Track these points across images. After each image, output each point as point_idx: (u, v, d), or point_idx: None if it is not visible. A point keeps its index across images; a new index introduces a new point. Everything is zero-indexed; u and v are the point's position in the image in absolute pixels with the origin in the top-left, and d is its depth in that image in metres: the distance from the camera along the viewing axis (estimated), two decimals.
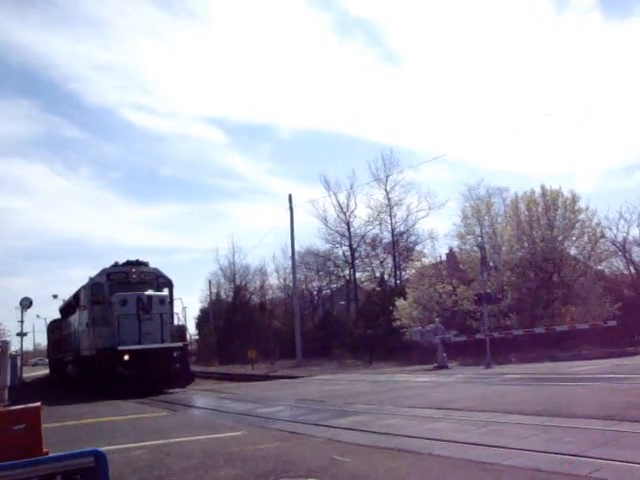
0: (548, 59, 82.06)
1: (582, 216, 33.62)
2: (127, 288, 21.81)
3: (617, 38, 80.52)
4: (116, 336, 20.43)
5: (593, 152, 77.70)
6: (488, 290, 28.54)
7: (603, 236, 34.80)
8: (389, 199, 50.72)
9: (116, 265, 23.29)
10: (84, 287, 23.07)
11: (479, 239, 35.69)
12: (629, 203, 43.98)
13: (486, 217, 36.07)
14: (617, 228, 36.75)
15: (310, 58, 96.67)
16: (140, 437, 9.62)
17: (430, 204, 49.67)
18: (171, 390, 21.37)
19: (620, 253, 36.79)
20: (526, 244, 34.18)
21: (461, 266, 36.06)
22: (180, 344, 21.68)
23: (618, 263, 37.46)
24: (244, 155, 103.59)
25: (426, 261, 44.68)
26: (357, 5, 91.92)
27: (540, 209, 34.11)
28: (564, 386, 13.82)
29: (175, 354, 20.98)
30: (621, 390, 12.27)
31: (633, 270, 37.13)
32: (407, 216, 50.70)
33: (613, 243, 36.38)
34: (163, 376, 20.64)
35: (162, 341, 21.02)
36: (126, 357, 19.91)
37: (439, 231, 67.30)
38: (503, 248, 34.79)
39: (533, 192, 34.76)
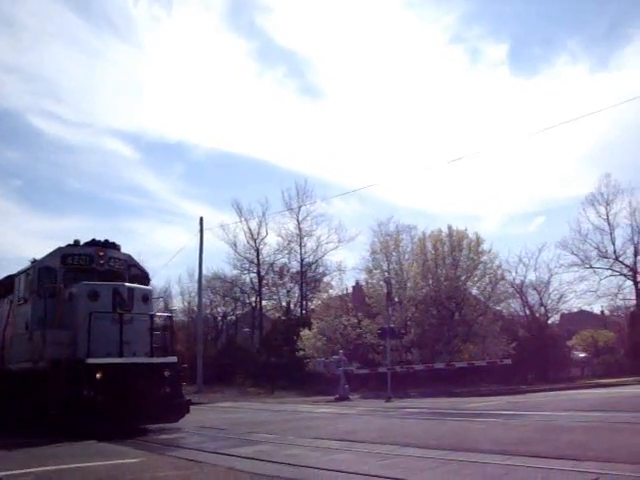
0: (461, 105, 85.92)
1: (485, 258, 35.19)
2: (89, 278, 14.98)
3: (523, 93, 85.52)
4: (82, 343, 13.52)
5: (497, 198, 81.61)
6: (392, 325, 29.09)
7: (503, 278, 36.49)
8: (300, 229, 51.05)
9: (76, 244, 15.95)
10: (24, 272, 15.87)
11: (386, 274, 36.45)
12: (528, 248, 46.47)
13: (394, 253, 37.00)
14: (516, 271, 38.66)
15: (230, 83, 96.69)
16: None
17: (340, 237, 50.38)
18: (155, 425, 14.23)
19: (517, 295, 38.59)
20: (431, 281, 35.25)
21: (367, 300, 36.60)
22: (173, 359, 14.84)
23: (515, 304, 39.28)
24: (156, 173, 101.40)
25: (333, 293, 45.09)
26: (282, 35, 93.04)
27: (446, 249, 35.36)
28: (462, 421, 14.23)
29: (166, 373, 14.28)
30: (514, 426, 12.79)
31: (528, 312, 38.97)
32: (317, 247, 51.02)
33: (512, 285, 38.15)
34: (150, 405, 13.57)
35: (150, 354, 14.56)
36: (98, 375, 13.01)
37: (347, 264, 68.36)
38: (408, 284, 35.69)
39: (440, 232, 36.08)
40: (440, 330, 33.91)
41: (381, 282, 36.29)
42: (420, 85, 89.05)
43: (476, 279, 35.61)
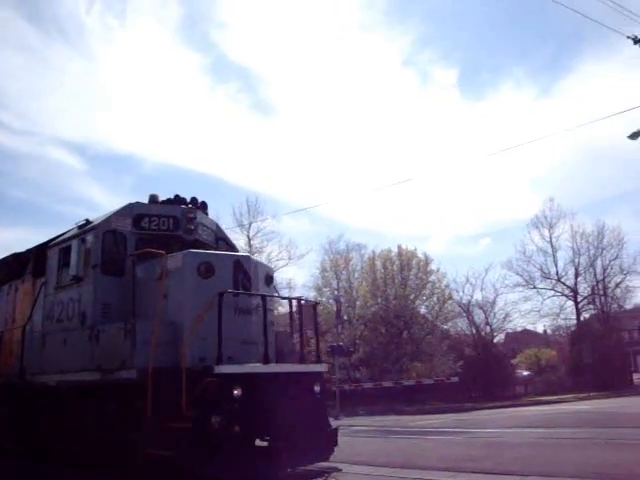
0: (413, 126, 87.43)
1: (433, 277, 35.78)
2: (171, 249, 9.75)
3: (473, 116, 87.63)
4: (194, 343, 8.40)
5: (445, 219, 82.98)
6: (341, 343, 29.19)
7: (451, 297, 37.09)
8: (250, 246, 50.72)
9: (154, 201, 11.12)
10: (74, 238, 10.44)
11: (335, 292, 36.57)
12: (475, 269, 47.42)
13: (344, 271, 37.22)
14: (463, 291, 39.27)
15: (182, 97, 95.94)
16: None
17: (290, 254, 50.35)
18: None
19: (464, 314, 39.21)
20: (380, 300, 35.53)
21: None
22: (323, 367, 10.61)
23: (462, 323, 39.89)
24: (103, 186, 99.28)
25: (282, 310, 44.95)
26: (236, 50, 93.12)
27: (395, 268, 35.77)
28: (410, 439, 14.36)
29: (317, 388, 9.60)
30: (460, 443, 12.97)
31: (474, 331, 39.61)
32: (267, 264, 50.96)
33: (459, 305, 38.75)
34: (301, 437, 8.58)
35: (286, 359, 9.95)
36: (236, 392, 8.14)
37: (297, 281, 68.19)
38: (358, 302, 35.91)
39: (390, 251, 36.50)
40: (388, 348, 34.14)
41: (331, 300, 36.41)
42: (372, 105, 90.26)
43: (424, 298, 36.13)
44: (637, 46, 20.38)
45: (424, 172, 74.89)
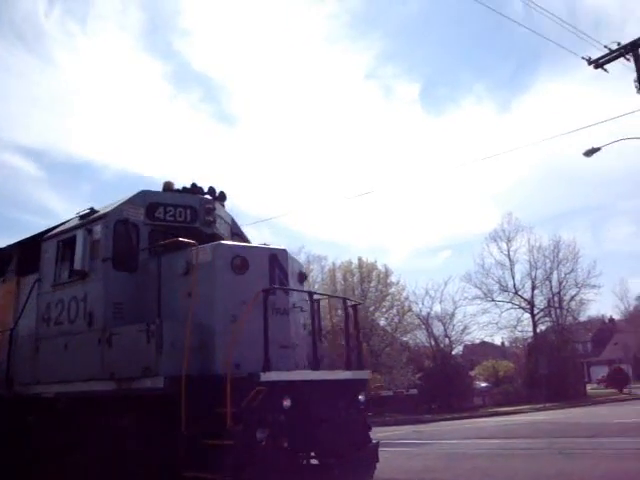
0: (375, 139, 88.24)
1: (393, 290, 36.06)
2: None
3: (434, 130, 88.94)
4: (223, 346, 7.39)
5: (406, 231, 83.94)
6: None
7: (410, 310, 37.37)
8: None
9: (169, 189, 9.69)
10: (78, 228, 9.06)
11: None
12: (434, 281, 47.94)
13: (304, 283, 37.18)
14: (422, 303, 39.61)
15: (143, 104, 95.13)
16: None
17: None
18: None
19: (423, 326, 39.54)
20: (340, 312, 35.50)
21: None
22: (366, 374, 9.55)
23: (421, 335, 40.20)
24: (61, 193, 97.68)
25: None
26: (199, 59, 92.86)
27: (356, 279, 35.95)
28: None
29: (361, 398, 8.52)
30: (419, 455, 13.05)
31: (433, 343, 39.97)
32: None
33: (418, 317, 39.06)
34: (353, 452, 7.90)
35: (313, 365, 8.18)
36: (286, 403, 7.04)
37: None
38: None
39: (350, 263, 36.65)
40: None
41: None
42: (335, 117, 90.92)
43: (384, 310, 36.34)
44: (592, 67, 21.08)
45: (385, 184, 75.79)
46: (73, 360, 8.59)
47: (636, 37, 20.26)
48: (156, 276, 7.82)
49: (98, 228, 8.74)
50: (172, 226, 9.12)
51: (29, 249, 10.27)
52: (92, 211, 9.15)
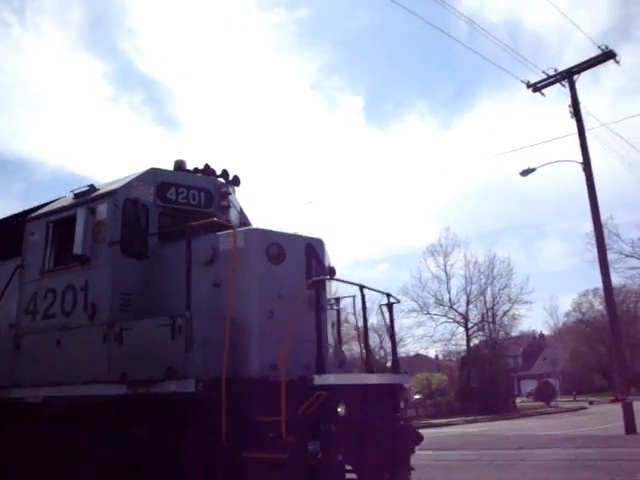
0: (318, 149, 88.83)
1: None
2: (196, 230, 7.14)
3: (377, 144, 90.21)
4: (267, 348, 6.56)
5: (345, 242, 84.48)
6: None
7: (347, 321, 37.47)
8: None
9: (181, 168, 8.72)
10: (80, 205, 7.87)
11: None
12: (371, 293, 48.42)
13: None
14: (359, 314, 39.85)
15: (81, 103, 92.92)
16: None
17: None
18: None
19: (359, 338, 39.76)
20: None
21: None
22: (409, 379, 9.52)
23: (357, 347, 40.43)
24: None
25: None
26: (143, 60, 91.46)
27: None
28: None
29: (402, 404, 8.00)
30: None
31: None
32: None
33: (354, 328, 39.25)
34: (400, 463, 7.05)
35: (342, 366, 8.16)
36: (340, 409, 6.09)
37: None
38: None
39: None
40: None
41: None
42: (279, 127, 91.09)
43: None
44: (530, 90, 21.88)
45: (326, 195, 76.26)
46: (68, 359, 7.43)
47: (571, 65, 21.26)
48: (173, 263, 7.14)
49: (103, 207, 7.68)
50: (184, 210, 8.17)
51: (4, 231, 9.08)
52: (92, 188, 8.10)
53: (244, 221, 9.42)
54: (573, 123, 20.76)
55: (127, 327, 6.88)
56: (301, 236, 7.58)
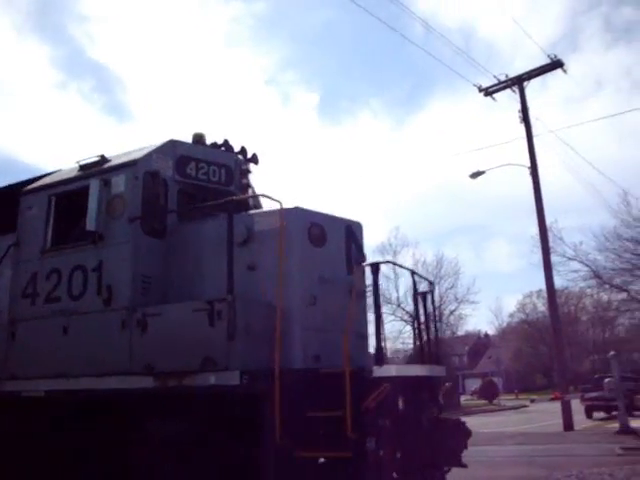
0: (272, 145, 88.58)
1: None
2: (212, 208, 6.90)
3: (331, 140, 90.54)
4: (310, 337, 6.18)
5: None
6: None
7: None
8: None
9: (199, 142, 7.87)
10: (92, 177, 7.00)
11: None
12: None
13: None
14: None
15: (27, 89, 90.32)
16: None
17: None
18: None
19: None
20: None
21: None
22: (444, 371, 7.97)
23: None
24: None
25: None
26: (95, 47, 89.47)
27: None
28: None
29: (441, 398, 7.32)
30: None
31: None
32: None
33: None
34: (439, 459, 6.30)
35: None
36: (401, 402, 5.64)
37: None
38: None
39: None
40: None
41: None
42: (234, 121, 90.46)
43: None
44: (482, 94, 22.34)
45: (277, 190, 76.16)
46: (78, 348, 6.60)
47: (521, 72, 21.82)
48: (195, 244, 6.72)
49: (120, 180, 6.91)
50: (204, 186, 7.52)
51: None
52: (104, 159, 7.30)
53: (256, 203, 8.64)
54: (522, 128, 21.32)
55: (153, 313, 6.17)
56: (341, 218, 7.08)
